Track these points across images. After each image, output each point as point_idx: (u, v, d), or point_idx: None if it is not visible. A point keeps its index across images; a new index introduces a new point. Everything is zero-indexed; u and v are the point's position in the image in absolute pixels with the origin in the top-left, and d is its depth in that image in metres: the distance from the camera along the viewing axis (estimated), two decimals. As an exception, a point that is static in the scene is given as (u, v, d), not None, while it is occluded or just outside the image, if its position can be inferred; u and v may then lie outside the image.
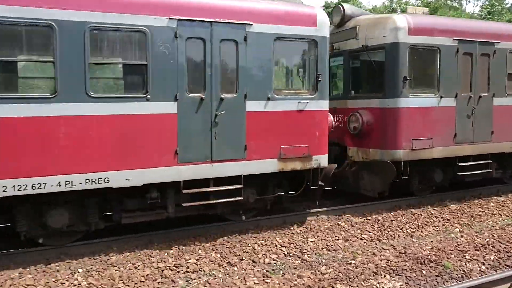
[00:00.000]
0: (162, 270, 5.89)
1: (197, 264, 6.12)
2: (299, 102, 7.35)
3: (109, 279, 5.63)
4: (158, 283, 5.57)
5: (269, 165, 7.20)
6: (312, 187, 7.68)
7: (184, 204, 6.71)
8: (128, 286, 5.49)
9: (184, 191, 6.59)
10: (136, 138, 6.24)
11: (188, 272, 5.89)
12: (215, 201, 6.94)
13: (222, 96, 6.78)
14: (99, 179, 6.06)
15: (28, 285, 5.40)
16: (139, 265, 6.03)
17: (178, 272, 5.89)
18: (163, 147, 6.43)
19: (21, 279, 5.57)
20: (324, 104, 7.64)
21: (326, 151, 7.79)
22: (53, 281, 5.54)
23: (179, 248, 6.64)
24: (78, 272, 5.80)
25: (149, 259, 6.27)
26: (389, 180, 8.61)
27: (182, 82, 6.49)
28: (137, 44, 6.23)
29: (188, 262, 6.15)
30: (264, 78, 7.07)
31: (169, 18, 6.34)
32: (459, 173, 9.23)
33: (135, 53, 6.26)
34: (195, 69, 6.69)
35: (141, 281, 5.59)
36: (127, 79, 6.39)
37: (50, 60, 5.75)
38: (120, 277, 5.70)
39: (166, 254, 6.44)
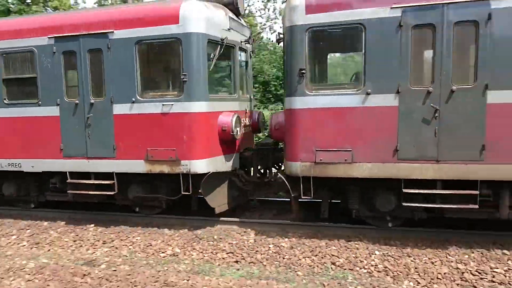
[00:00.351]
0: (462, 273, 5.60)
1: (505, 276, 5.51)
2: (163, 104, 7.17)
3: (404, 268, 5.78)
4: (457, 284, 5.38)
5: (137, 166, 7.47)
6: (184, 193, 7.37)
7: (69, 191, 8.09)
8: (424, 279, 5.50)
9: (68, 181, 7.96)
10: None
11: (494, 282, 5.38)
12: (94, 192, 7.92)
13: (92, 100, 7.59)
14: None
15: (333, 255, 6.25)
16: (435, 261, 5.92)
17: (481, 279, 5.48)
18: (52, 144, 7.97)
19: (327, 249, 6.46)
20: (193, 106, 7.06)
21: (202, 156, 7.19)
22: (353, 256, 6.16)
23: (482, 254, 6.08)
24: (375, 254, 6.20)
25: (446, 257, 6.02)
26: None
27: (61, 90, 7.75)
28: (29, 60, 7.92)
29: (493, 271, 5.62)
30: (128, 82, 7.33)
31: (48, 37, 7.67)
32: (404, 204, 6.29)
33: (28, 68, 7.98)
34: (71, 78, 7.81)
35: (437, 278, 5.50)
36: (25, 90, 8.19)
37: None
38: (416, 268, 5.75)
39: (466, 256, 6.02)
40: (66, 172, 7.94)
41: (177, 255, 6.59)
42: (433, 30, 5.90)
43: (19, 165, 8.25)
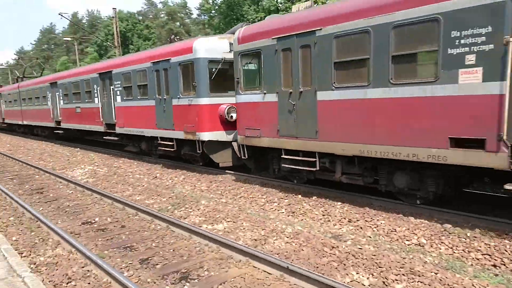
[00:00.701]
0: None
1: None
2: (188, 99, 12.38)
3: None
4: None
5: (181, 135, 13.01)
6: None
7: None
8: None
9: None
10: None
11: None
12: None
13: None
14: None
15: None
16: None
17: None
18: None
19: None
20: (200, 101, 11.99)
21: (206, 130, 12.09)
22: None
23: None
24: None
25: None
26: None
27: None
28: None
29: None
30: (175, 86, 12.86)
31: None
32: (283, 165, 9.59)
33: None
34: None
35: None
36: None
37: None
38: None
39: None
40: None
41: (422, 246, 6.36)
42: (290, 52, 9.07)
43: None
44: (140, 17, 60.47)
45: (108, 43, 43.80)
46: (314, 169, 9.04)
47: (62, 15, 28.43)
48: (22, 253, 6.47)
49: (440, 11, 6.46)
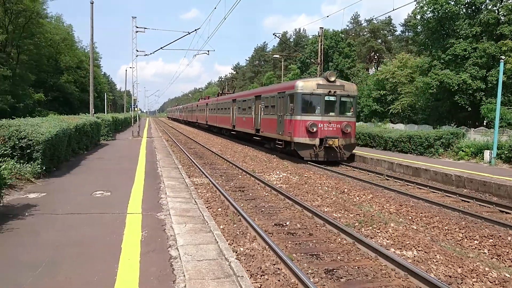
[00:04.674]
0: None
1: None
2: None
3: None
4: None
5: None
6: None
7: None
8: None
9: None
10: None
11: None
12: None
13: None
14: None
15: None
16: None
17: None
18: None
19: None
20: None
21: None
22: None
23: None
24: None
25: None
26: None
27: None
28: None
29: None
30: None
31: None
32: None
33: None
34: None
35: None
36: None
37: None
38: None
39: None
40: None
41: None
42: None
43: None
44: (342, 35, 61.98)
45: (312, 60, 46.51)
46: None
47: (275, 35, 31.62)
48: (227, 241, 7.47)
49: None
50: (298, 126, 18.62)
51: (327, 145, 18.96)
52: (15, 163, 10.56)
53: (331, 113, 19.51)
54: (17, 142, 10.86)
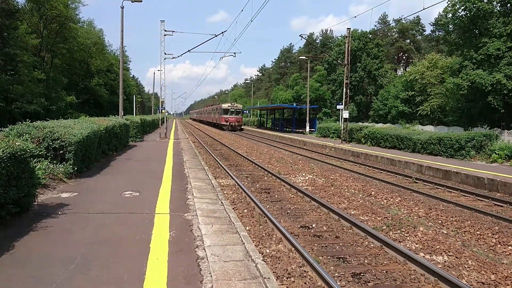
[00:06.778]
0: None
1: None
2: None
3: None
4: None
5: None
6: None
7: None
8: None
9: None
10: None
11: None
12: None
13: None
14: None
15: None
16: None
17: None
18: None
19: None
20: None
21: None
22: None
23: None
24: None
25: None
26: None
27: None
28: None
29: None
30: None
31: None
32: None
33: None
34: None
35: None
36: None
37: None
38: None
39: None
40: None
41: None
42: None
43: None
44: (370, 35, 61.10)
45: (338, 61, 46.06)
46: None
47: (302, 36, 31.53)
48: (253, 242, 7.49)
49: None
50: (223, 119, 57.50)
51: (230, 125, 57.33)
52: (48, 163, 10.93)
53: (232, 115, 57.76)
54: (51, 143, 11.24)
